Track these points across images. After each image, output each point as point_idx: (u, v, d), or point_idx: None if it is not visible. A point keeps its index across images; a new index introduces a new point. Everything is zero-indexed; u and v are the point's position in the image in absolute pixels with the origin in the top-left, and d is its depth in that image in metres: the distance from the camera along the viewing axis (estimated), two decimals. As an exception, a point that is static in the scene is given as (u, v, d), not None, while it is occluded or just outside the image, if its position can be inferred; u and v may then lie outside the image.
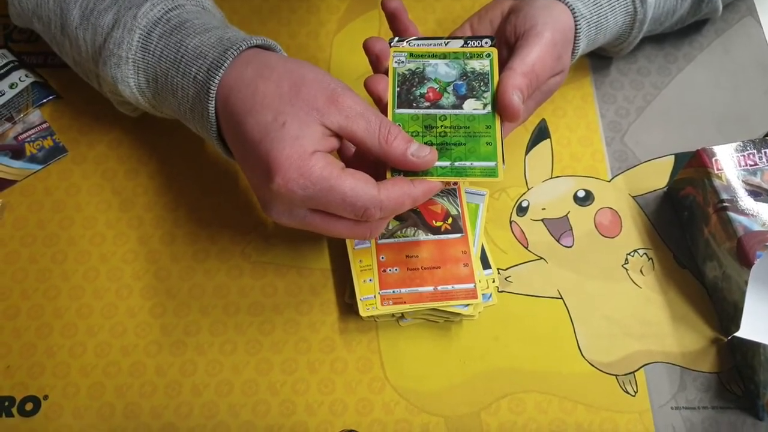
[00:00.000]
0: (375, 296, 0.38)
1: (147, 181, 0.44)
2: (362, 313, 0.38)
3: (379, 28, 0.49)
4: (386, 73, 0.37)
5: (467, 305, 0.38)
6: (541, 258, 0.43)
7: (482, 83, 0.36)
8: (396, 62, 0.37)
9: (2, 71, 0.46)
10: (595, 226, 0.44)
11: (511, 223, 0.44)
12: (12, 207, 0.43)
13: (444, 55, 0.37)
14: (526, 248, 0.43)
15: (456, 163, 0.34)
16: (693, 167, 0.41)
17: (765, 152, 0.40)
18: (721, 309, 0.40)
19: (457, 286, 0.39)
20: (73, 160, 0.45)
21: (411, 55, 0.37)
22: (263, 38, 0.36)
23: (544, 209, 0.44)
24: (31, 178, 0.44)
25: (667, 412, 0.38)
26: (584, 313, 0.41)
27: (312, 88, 0.32)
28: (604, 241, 0.43)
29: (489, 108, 0.35)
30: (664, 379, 0.39)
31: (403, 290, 0.38)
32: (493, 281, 0.41)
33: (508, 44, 0.39)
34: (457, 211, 0.41)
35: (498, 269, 0.42)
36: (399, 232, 0.40)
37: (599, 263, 0.42)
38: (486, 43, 0.38)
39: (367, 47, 0.38)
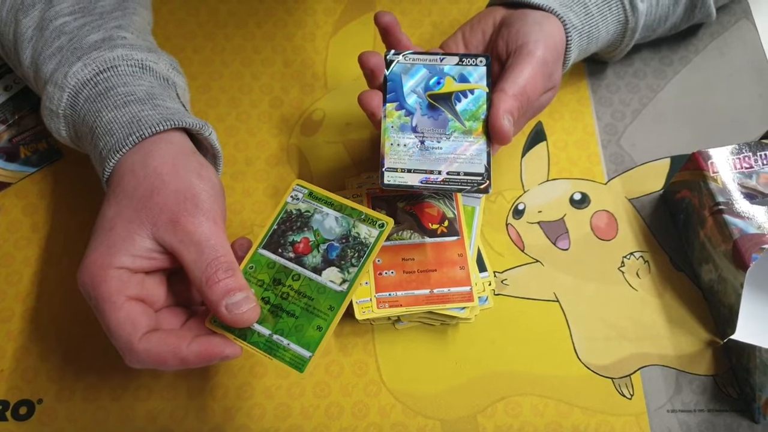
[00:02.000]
0: (371, 299, 0.38)
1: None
2: (358, 316, 0.38)
3: (375, 31, 0.49)
4: (380, 88, 0.37)
5: (463, 308, 0.38)
6: (538, 261, 0.43)
7: (356, 255, 0.34)
8: (291, 197, 0.36)
9: (-3, 73, 0.46)
10: (592, 229, 0.44)
11: (507, 225, 0.44)
12: (6, 210, 0.43)
13: (340, 208, 0.35)
14: (523, 251, 0.43)
15: (275, 336, 0.32)
16: (689, 170, 0.41)
17: (760, 155, 0.40)
18: (716, 312, 0.40)
19: (454, 289, 0.39)
20: (67, 163, 0.45)
21: (310, 194, 0.35)
22: (180, 121, 0.35)
23: (540, 212, 0.44)
24: (26, 180, 0.44)
25: (663, 415, 0.38)
26: (580, 316, 0.41)
27: (164, 199, 0.32)
28: (601, 243, 0.43)
29: (345, 286, 0.33)
30: (660, 382, 0.39)
31: (399, 293, 0.38)
32: (490, 284, 0.41)
33: (499, 59, 0.39)
34: (454, 213, 0.41)
35: (494, 272, 0.42)
36: (395, 235, 0.40)
37: (595, 266, 0.43)
38: (480, 61, 0.38)
39: (362, 62, 0.37)
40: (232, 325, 0.31)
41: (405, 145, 0.36)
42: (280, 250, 0.34)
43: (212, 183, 0.34)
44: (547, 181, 0.45)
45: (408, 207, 0.41)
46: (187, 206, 0.32)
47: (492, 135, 0.36)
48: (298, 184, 0.36)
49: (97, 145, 0.35)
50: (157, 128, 0.34)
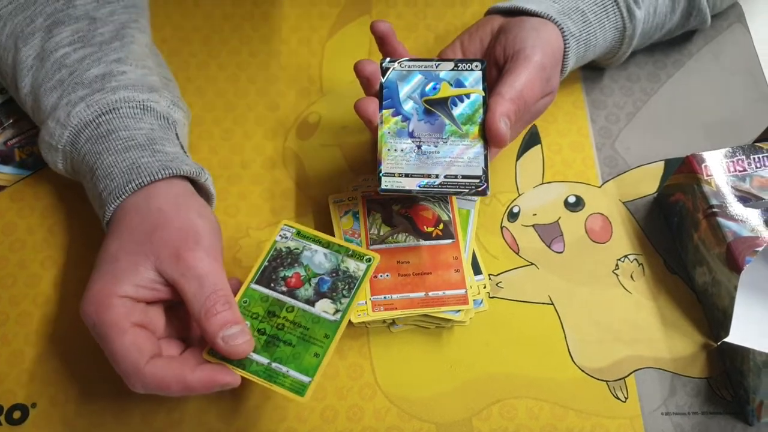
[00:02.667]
0: (366, 302, 0.38)
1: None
2: (353, 319, 0.38)
3: (371, 34, 0.49)
4: (377, 95, 0.38)
5: (458, 311, 0.38)
6: (532, 264, 0.43)
7: (347, 287, 0.35)
8: (280, 236, 0.37)
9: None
10: (586, 232, 0.44)
11: (502, 228, 0.44)
12: (1, 212, 0.43)
13: (328, 245, 0.37)
14: (517, 254, 0.43)
15: (273, 364, 0.33)
16: (683, 173, 0.41)
17: (754, 158, 0.40)
18: (710, 314, 0.41)
19: (449, 292, 0.39)
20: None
21: (298, 233, 0.37)
22: (177, 168, 0.35)
23: (535, 215, 0.44)
24: (21, 183, 0.44)
25: (657, 417, 0.38)
26: (575, 318, 0.41)
27: (168, 235, 0.33)
28: (595, 246, 0.43)
29: (339, 316, 0.34)
30: (655, 385, 0.39)
31: (394, 296, 0.38)
32: (484, 287, 0.41)
33: (497, 65, 0.39)
34: (449, 216, 0.41)
35: (489, 275, 0.42)
36: (390, 238, 0.40)
37: (590, 269, 0.43)
38: (476, 66, 0.38)
39: (358, 70, 0.37)
40: (228, 356, 0.32)
41: (402, 150, 0.36)
42: (272, 285, 0.35)
43: (212, 222, 0.35)
44: (542, 184, 0.45)
45: (403, 210, 0.41)
46: (189, 242, 0.33)
47: (489, 138, 0.36)
48: (285, 224, 0.37)
49: (97, 186, 0.36)
50: (156, 176, 0.35)
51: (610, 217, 0.44)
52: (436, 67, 0.38)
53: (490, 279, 0.42)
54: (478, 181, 0.35)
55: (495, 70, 0.39)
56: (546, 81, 0.38)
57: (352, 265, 0.36)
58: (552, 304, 0.42)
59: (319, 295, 0.35)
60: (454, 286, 0.39)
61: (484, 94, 0.37)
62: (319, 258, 0.36)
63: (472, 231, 0.42)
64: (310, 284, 0.35)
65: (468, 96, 0.37)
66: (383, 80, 0.38)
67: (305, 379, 0.33)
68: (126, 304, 0.32)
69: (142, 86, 0.38)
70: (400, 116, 0.37)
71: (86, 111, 0.37)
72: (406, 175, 0.35)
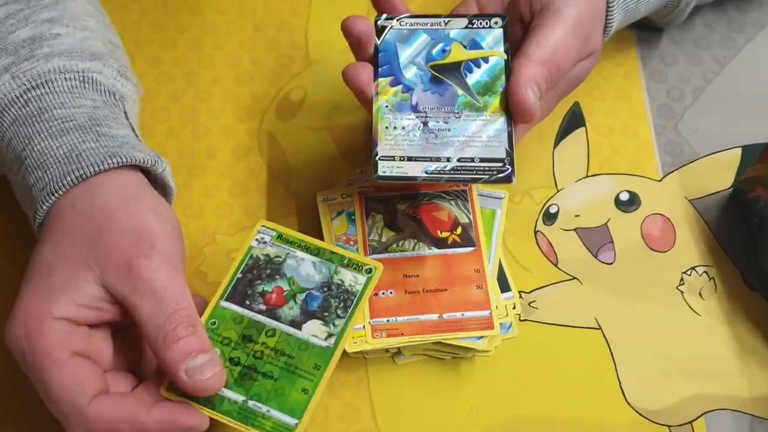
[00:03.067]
0: (364, 326, 0.38)
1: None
2: (348, 347, 0.37)
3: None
4: (371, 61, 0.37)
5: (481, 338, 0.38)
6: (574, 278, 0.42)
7: (342, 305, 0.35)
8: (257, 241, 0.36)
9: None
10: (642, 238, 0.43)
11: (536, 233, 0.43)
12: None
13: (317, 251, 0.36)
14: (555, 265, 0.42)
15: (250, 402, 0.32)
16: (765, 163, 0.40)
17: None
18: (801, 342, 0.40)
19: (469, 314, 0.38)
20: None
21: (280, 237, 0.36)
22: (128, 156, 0.35)
23: (577, 216, 0.44)
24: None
25: (734, 473, 0.38)
26: (629, 347, 0.40)
27: (115, 239, 0.33)
28: (654, 256, 0.42)
29: (332, 341, 0.34)
30: (730, 431, 0.39)
31: (399, 319, 0.38)
32: (514, 307, 0.40)
33: (522, 22, 0.38)
34: (469, 218, 0.40)
35: (520, 292, 0.42)
36: (394, 245, 0.40)
37: (647, 284, 0.42)
38: (496, 23, 0.38)
39: (346, 29, 0.37)
40: (194, 393, 0.32)
41: (404, 128, 0.36)
42: (247, 302, 0.35)
43: (171, 222, 0.35)
44: (586, 177, 0.45)
45: (411, 210, 0.41)
46: (142, 247, 0.33)
47: (513, 111, 0.35)
48: (263, 226, 0.37)
49: (26, 179, 0.35)
50: (101, 166, 0.34)
51: (673, 219, 0.43)
52: (445, 24, 0.38)
53: (521, 297, 0.42)
54: (500, 164, 0.34)
55: (519, 27, 0.39)
56: (584, 39, 0.37)
57: (349, 277, 0.36)
58: (599, 328, 0.41)
59: (307, 314, 0.35)
60: (475, 306, 0.38)
61: (506, 57, 0.37)
62: (306, 268, 0.36)
63: (499, 236, 0.41)
64: (295, 301, 0.35)
65: (486, 60, 0.37)
66: (378, 42, 0.38)
67: (291, 421, 0.32)
68: (64, 327, 0.31)
69: (82, 53, 0.38)
70: (400, 86, 0.37)
71: (11, 84, 0.36)
72: (409, 159, 0.35)
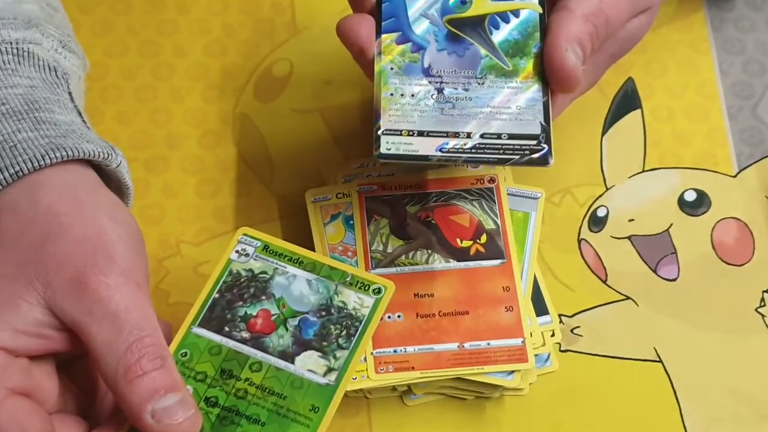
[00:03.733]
0: (365, 358, 0.38)
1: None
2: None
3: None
4: (372, 13, 0.37)
5: (512, 373, 0.39)
6: (628, 298, 0.43)
7: (344, 333, 0.35)
8: (237, 252, 0.37)
9: None
10: (714, 248, 0.44)
11: (580, 242, 0.44)
12: None
13: (313, 267, 0.37)
14: (605, 282, 0.43)
15: None
16: None
17: None
18: None
19: (496, 343, 0.39)
20: None
21: (266, 249, 0.37)
22: (73, 148, 0.35)
23: (632, 221, 0.45)
24: None
25: None
26: (696, 383, 0.41)
27: (64, 250, 0.32)
28: (728, 270, 0.44)
29: (333, 377, 0.34)
30: None
31: (409, 349, 0.39)
32: (552, 335, 0.41)
33: None
34: (496, 223, 0.41)
35: (560, 316, 0.43)
36: (403, 258, 0.40)
37: (720, 306, 0.43)
38: None
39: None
40: None
41: (413, 96, 0.36)
42: (226, 329, 0.36)
43: (130, 228, 0.35)
44: (643, 171, 0.46)
45: (424, 213, 0.41)
46: (97, 260, 0.32)
47: (551, 76, 0.36)
48: (246, 234, 0.38)
49: None
50: (42, 162, 0.34)
51: (751, 225, 0.44)
52: None
53: (561, 322, 0.42)
54: (534, 142, 0.35)
55: None
56: None
57: (353, 299, 0.36)
58: (659, 361, 0.42)
59: (302, 344, 0.35)
60: (504, 333, 0.39)
61: (541, 11, 0.37)
62: (299, 287, 0.37)
63: (534, 246, 0.42)
64: (286, 328, 0.36)
65: (516, 13, 0.37)
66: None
67: None
68: None
69: (14, 18, 0.38)
70: (409, 44, 0.37)
71: None
72: (420, 134, 0.35)
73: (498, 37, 0.37)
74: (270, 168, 0.46)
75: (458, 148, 0.35)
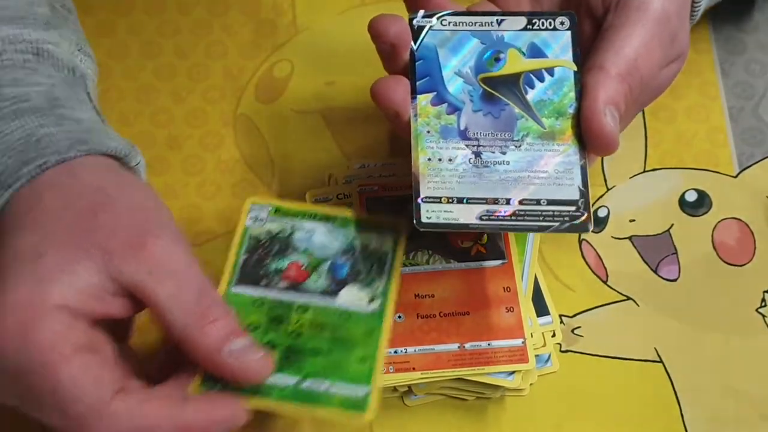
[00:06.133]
0: None
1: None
2: None
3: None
4: (405, 73, 0.37)
5: (513, 373, 0.39)
6: (629, 298, 0.43)
7: (375, 265, 0.37)
8: (251, 219, 0.38)
9: None
10: (714, 248, 0.44)
11: (581, 242, 0.44)
12: None
13: (327, 218, 0.38)
14: (605, 283, 0.44)
15: (306, 383, 0.34)
16: None
17: None
18: None
19: (497, 343, 0.39)
20: None
21: (277, 211, 0.38)
22: (97, 143, 0.36)
23: (633, 221, 0.45)
24: None
25: None
26: (697, 383, 0.42)
27: (115, 218, 0.33)
28: (728, 270, 0.44)
29: (377, 304, 0.36)
30: None
31: (410, 350, 0.39)
32: (553, 335, 0.41)
33: (592, 17, 0.38)
34: None
35: (561, 316, 0.43)
36: (405, 258, 0.40)
37: (721, 306, 0.43)
38: (562, 24, 0.37)
39: (375, 31, 0.37)
40: (243, 377, 0.33)
41: (450, 160, 0.36)
42: (263, 283, 0.37)
43: (166, 207, 0.36)
44: (644, 172, 0.46)
45: None
46: (149, 225, 0.34)
47: (589, 140, 0.36)
48: (254, 203, 0.39)
49: None
50: (67, 154, 0.35)
51: (752, 225, 0.45)
52: (498, 24, 0.38)
53: (562, 323, 0.43)
54: (573, 208, 0.35)
55: (589, 25, 0.38)
56: (670, 41, 0.37)
57: (373, 240, 0.38)
58: (660, 361, 0.42)
59: (339, 283, 0.37)
60: (505, 333, 0.39)
61: (575, 68, 0.37)
62: (319, 238, 0.38)
63: (534, 246, 0.42)
64: (318, 273, 0.38)
65: (551, 71, 0.37)
66: (415, 47, 0.38)
67: (360, 390, 0.34)
68: (63, 319, 0.32)
69: (35, 20, 0.38)
70: (445, 104, 0.37)
71: None
72: (459, 201, 0.35)
73: (533, 96, 0.37)
74: (271, 169, 0.46)
75: (498, 216, 0.35)
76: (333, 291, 0.37)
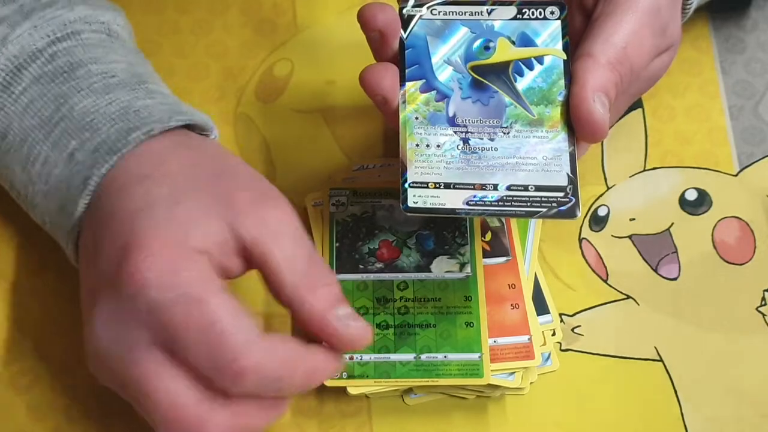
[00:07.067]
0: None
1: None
2: (351, 389, 0.38)
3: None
4: (394, 61, 0.37)
5: (513, 372, 0.39)
6: (629, 297, 0.44)
7: (458, 233, 0.39)
8: (333, 205, 0.40)
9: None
10: (715, 247, 0.44)
11: (581, 241, 0.45)
12: None
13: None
14: (605, 281, 0.44)
15: (423, 357, 0.37)
16: None
17: None
18: None
19: (502, 341, 0.39)
20: None
21: (356, 194, 0.39)
22: (191, 113, 0.38)
23: (633, 220, 0.45)
24: None
25: None
26: (697, 382, 0.42)
27: (238, 182, 0.35)
28: (729, 269, 0.44)
29: (468, 269, 0.37)
30: None
31: None
32: (553, 334, 0.41)
33: (582, 8, 0.39)
34: (501, 221, 0.42)
35: (561, 315, 0.43)
36: None
37: (721, 305, 0.43)
38: (552, 13, 0.38)
39: (364, 19, 0.37)
40: (347, 341, 0.34)
41: (439, 146, 0.36)
42: (361, 266, 0.41)
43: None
44: (644, 171, 0.46)
45: None
46: (268, 190, 0.36)
47: (578, 127, 0.36)
48: (332, 188, 0.42)
49: (63, 145, 0.36)
50: (169, 123, 0.36)
51: (752, 224, 0.45)
52: (489, 14, 0.38)
53: (562, 322, 0.43)
54: (561, 194, 0.35)
55: (580, 16, 0.39)
56: (661, 31, 0.38)
57: None
58: (660, 360, 0.42)
59: (429, 255, 0.40)
60: (511, 330, 0.39)
61: (565, 57, 0.37)
62: (400, 214, 0.39)
63: (534, 245, 0.42)
64: (408, 248, 0.40)
65: (540, 60, 0.37)
66: (405, 35, 0.38)
67: (473, 356, 0.38)
68: (206, 261, 0.33)
69: (102, 1, 0.40)
70: (433, 92, 0.37)
71: (32, 35, 0.37)
72: (446, 186, 0.35)
73: (522, 84, 0.37)
74: (271, 169, 0.46)
75: (485, 201, 0.35)
76: (425, 264, 0.40)
